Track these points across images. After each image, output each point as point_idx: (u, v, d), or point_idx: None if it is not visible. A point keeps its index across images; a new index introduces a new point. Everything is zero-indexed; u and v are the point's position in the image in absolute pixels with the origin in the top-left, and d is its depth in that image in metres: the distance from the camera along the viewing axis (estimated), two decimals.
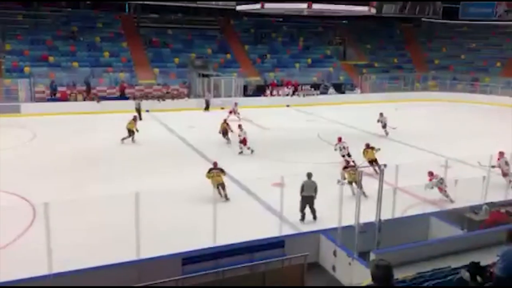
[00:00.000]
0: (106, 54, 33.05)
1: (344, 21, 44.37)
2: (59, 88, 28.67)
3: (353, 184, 12.64)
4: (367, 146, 16.51)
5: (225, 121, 21.09)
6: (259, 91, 33.95)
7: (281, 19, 42.18)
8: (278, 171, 13.81)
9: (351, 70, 39.77)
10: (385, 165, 8.68)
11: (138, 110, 25.34)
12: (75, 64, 31.16)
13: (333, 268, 9.27)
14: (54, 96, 28.40)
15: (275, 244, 9.27)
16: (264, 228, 10.82)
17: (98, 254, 8.97)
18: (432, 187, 13.23)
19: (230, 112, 25.52)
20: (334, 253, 9.18)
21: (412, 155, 18.21)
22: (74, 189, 13.64)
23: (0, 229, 10.48)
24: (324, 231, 9.81)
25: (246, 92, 33.23)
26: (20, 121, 24.31)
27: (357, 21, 42.58)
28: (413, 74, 40.18)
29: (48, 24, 33.80)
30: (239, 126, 19.29)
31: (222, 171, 13.36)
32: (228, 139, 20.27)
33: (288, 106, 32.26)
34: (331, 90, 35.80)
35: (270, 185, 12.71)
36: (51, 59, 31.02)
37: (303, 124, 25.95)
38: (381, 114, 22.72)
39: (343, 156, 16.44)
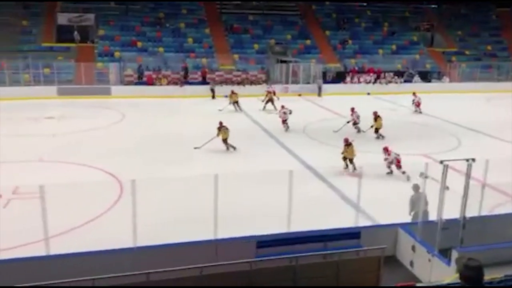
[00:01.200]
0: (190, 40, 34.19)
1: (433, 6, 41.99)
2: (146, 72, 30.22)
3: (353, 161, 14.24)
4: (376, 114, 18.84)
5: (273, 92, 25.23)
6: (339, 78, 33.29)
7: (364, 4, 40.89)
8: (355, 161, 13.59)
9: (439, 57, 37.64)
10: (473, 159, 8.14)
11: (213, 90, 28.34)
12: (161, 49, 32.62)
13: (411, 263, 8.96)
14: (141, 79, 30.00)
15: (351, 234, 9.13)
16: (338, 217, 10.71)
17: (178, 231, 9.44)
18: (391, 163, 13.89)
19: (269, 93, 26.14)
20: (413, 248, 8.85)
21: (504, 150, 16.92)
22: (158, 168, 14.39)
23: (90, 202, 11.42)
24: (403, 225, 9.48)
25: (325, 78, 32.73)
26: (110, 103, 26.04)
27: (448, 5, 40.06)
28: (509, 63, 37.08)
29: (137, 11, 35.60)
30: (282, 106, 20.70)
31: (227, 129, 16.50)
32: (274, 108, 23.39)
33: (369, 94, 31.33)
34: (416, 78, 34.20)
35: (346, 174, 12.52)
36: (139, 44, 32.75)
37: (384, 113, 25.03)
38: (414, 94, 24.98)
39: (356, 123, 19.36)
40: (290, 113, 20.18)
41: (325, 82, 32.34)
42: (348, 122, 19.63)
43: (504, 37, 41.12)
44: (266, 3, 38.88)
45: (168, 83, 29.99)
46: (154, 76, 30.24)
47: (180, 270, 6.92)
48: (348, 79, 33.27)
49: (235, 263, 7.56)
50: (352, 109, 20.02)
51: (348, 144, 14.56)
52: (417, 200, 9.95)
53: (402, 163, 13.77)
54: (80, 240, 9.38)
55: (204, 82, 30.40)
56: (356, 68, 34.18)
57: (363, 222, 10.34)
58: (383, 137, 18.67)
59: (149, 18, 35.14)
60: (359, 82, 33.13)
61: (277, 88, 30.49)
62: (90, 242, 8.73)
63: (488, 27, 42.03)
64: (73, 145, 17.14)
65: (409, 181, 13.02)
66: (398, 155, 14.02)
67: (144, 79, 30.03)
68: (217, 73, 31.51)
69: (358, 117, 19.67)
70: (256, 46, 35.02)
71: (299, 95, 30.32)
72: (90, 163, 14.84)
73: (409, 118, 23.74)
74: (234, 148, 16.68)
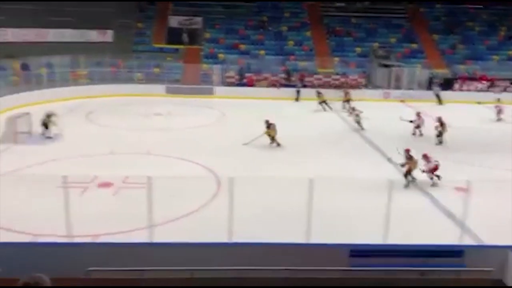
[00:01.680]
0: (291, 43, 34.46)
1: None
2: (247, 74, 31.08)
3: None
4: (441, 120, 18.52)
5: (346, 93, 26.12)
6: (447, 84, 31.26)
7: (480, 6, 37.94)
8: (463, 175, 12.68)
9: None
10: None
11: (298, 92, 28.70)
12: (262, 52, 33.29)
13: None
14: (241, 81, 30.92)
15: (452, 252, 8.51)
16: (439, 233, 10.10)
17: (271, 231, 9.56)
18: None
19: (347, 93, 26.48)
20: None
21: None
22: (255, 167, 14.71)
23: (190, 195, 12.01)
24: None
25: (431, 85, 30.94)
26: (213, 103, 27.17)
27: None
28: None
29: (242, 14, 36.69)
30: (353, 108, 21.92)
31: (275, 126, 17.50)
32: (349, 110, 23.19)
33: (479, 103, 29.01)
34: None
35: (452, 188, 11.75)
36: (242, 47, 33.76)
37: (496, 125, 23.12)
38: (498, 100, 25.36)
39: (419, 127, 19.59)
40: (358, 114, 20.95)
41: (431, 88, 30.51)
42: (411, 121, 19.71)
43: None
44: (371, 5, 37.83)
45: (268, 85, 30.52)
46: (254, 78, 30.99)
47: (270, 270, 6.99)
48: (456, 86, 31.15)
49: (327, 269, 7.45)
50: (418, 114, 20.10)
51: (410, 155, 13.54)
52: None
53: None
54: (179, 231, 9.89)
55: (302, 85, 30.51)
56: (467, 75, 31.87)
57: (466, 240, 9.63)
58: (441, 143, 18.41)
59: (253, 22, 36.04)
60: (468, 90, 30.85)
61: (376, 93, 29.64)
62: (188, 234, 9.17)
63: None
64: (177, 140, 18.18)
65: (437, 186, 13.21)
66: (437, 161, 13.55)
67: (245, 80, 30.91)
68: (315, 76, 31.39)
69: (423, 122, 19.76)
70: (358, 49, 34.26)
71: (402, 101, 29.06)
72: (192, 158, 15.64)
73: None
74: (279, 144, 17.54)
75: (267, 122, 17.73)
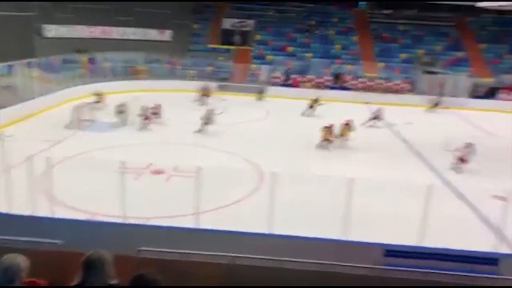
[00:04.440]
0: (337, 47, 34.00)
1: None
2: (292, 76, 31.01)
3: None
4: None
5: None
6: (491, 93, 29.85)
7: None
8: (502, 183, 12.13)
9: None
10: None
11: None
12: (308, 55, 33.07)
13: None
14: (286, 82, 30.88)
15: (488, 260, 8.20)
16: (474, 240, 9.71)
17: (309, 225, 9.53)
18: None
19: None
20: None
21: None
22: (296, 164, 14.69)
23: (235, 187, 12.17)
24: None
25: (475, 93, 29.64)
26: (259, 101, 27.21)
27: None
28: None
29: (292, 18, 36.57)
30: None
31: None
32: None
33: None
34: None
35: (490, 196, 11.24)
36: (289, 49, 33.67)
37: None
38: None
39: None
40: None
41: (476, 96, 29.25)
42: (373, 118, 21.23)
43: None
44: (419, 13, 36.59)
45: (312, 87, 30.32)
46: (299, 79, 30.87)
47: (303, 263, 6.95)
48: (501, 95, 29.64)
49: (361, 266, 7.34)
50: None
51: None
52: None
53: None
54: (223, 219, 10.04)
55: (341, 87, 30.26)
56: None
57: (503, 249, 9.21)
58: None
59: (301, 26, 35.82)
60: None
61: (422, 99, 28.60)
62: (231, 222, 9.28)
63: None
64: (224, 135, 18.40)
65: None
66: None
67: (290, 81, 30.83)
68: (360, 79, 30.91)
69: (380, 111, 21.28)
70: (403, 55, 33.32)
71: (447, 107, 28.01)
72: (237, 151, 15.84)
73: None
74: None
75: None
